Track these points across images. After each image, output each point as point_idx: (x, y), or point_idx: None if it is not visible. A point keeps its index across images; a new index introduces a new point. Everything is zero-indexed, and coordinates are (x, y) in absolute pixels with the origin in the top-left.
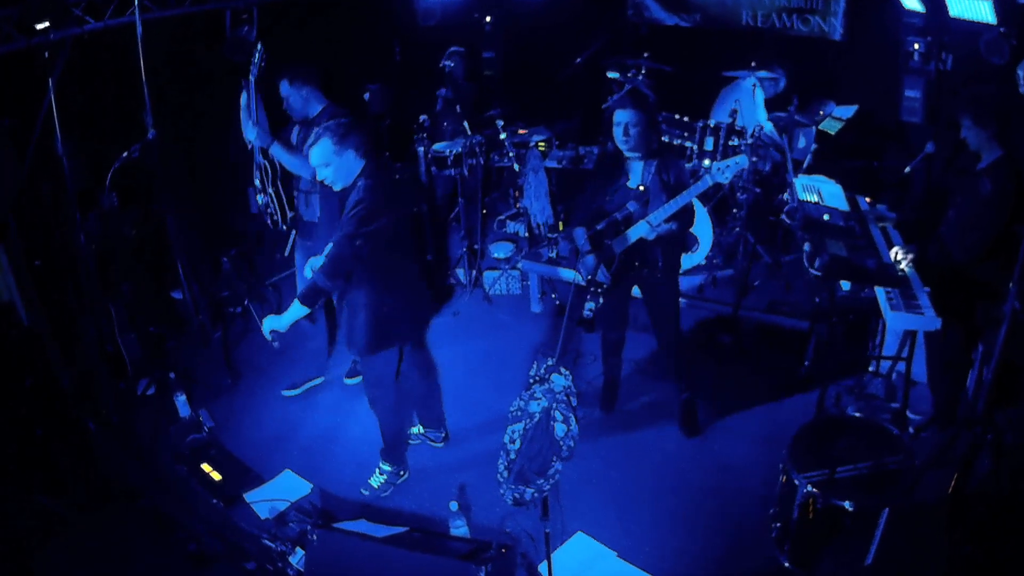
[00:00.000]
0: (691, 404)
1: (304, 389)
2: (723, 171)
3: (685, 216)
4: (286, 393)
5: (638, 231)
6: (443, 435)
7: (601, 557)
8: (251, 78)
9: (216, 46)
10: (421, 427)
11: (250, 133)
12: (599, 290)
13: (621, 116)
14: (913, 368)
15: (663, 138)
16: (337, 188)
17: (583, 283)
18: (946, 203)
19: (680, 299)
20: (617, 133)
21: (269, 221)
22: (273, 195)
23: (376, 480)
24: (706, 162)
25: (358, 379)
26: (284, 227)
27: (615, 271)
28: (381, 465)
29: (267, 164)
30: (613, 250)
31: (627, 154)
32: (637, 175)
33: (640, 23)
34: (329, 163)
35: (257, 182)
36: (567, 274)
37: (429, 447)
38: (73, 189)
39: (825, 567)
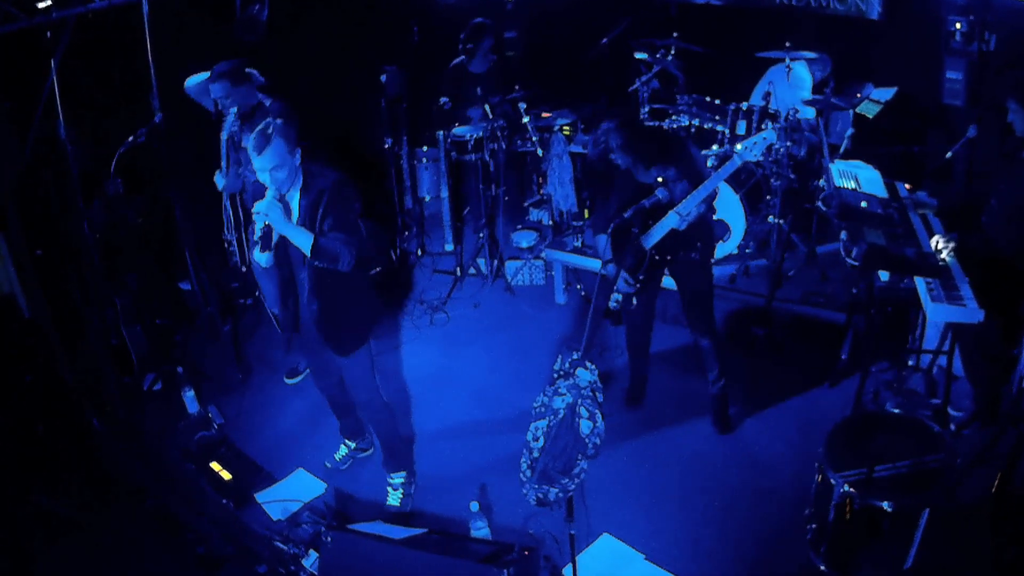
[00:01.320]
0: (723, 398)
1: (304, 376)
2: (751, 148)
3: (710, 196)
4: (289, 381)
5: (668, 223)
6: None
7: (628, 560)
8: (223, 135)
9: (226, 26)
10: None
11: (220, 181)
12: (629, 293)
13: (601, 143)
14: (955, 362)
15: (693, 122)
16: (285, 191)
17: (608, 286)
18: (989, 190)
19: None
20: (614, 156)
21: (234, 260)
22: (236, 240)
23: (395, 498)
24: (737, 146)
25: (299, 379)
26: (244, 268)
27: (647, 268)
28: (391, 479)
29: (231, 210)
30: (643, 247)
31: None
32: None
33: (669, 1)
34: (283, 164)
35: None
36: (593, 264)
37: (449, 444)
38: (76, 175)
39: (863, 571)
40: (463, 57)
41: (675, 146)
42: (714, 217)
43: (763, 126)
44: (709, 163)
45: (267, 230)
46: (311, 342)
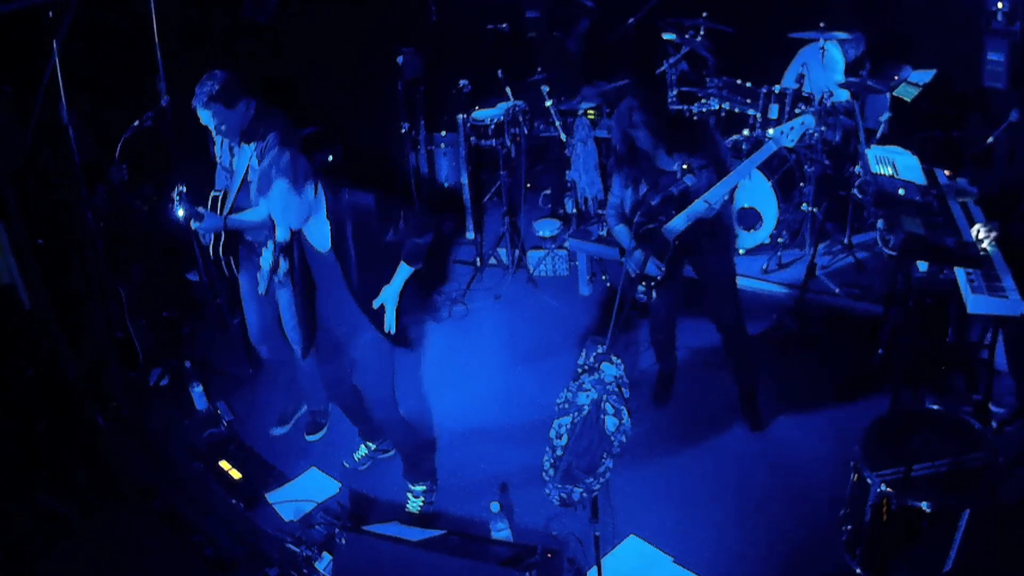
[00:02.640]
0: (752, 395)
1: (294, 422)
2: (787, 134)
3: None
4: (277, 431)
5: (694, 212)
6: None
7: (656, 562)
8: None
9: (235, 5)
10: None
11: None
12: (652, 284)
13: (622, 124)
14: (997, 356)
15: (724, 105)
16: (295, 227)
17: (633, 278)
18: None
19: (739, 279)
20: (636, 136)
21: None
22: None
23: (414, 506)
24: (770, 131)
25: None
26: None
27: (669, 260)
28: (412, 488)
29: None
30: (666, 238)
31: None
32: (668, 160)
33: None
34: (287, 207)
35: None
36: (619, 254)
37: (468, 443)
38: (79, 161)
39: (900, 574)
40: (559, 34)
41: (700, 132)
42: (745, 206)
43: (797, 110)
44: (742, 148)
45: (277, 261)
46: (325, 347)
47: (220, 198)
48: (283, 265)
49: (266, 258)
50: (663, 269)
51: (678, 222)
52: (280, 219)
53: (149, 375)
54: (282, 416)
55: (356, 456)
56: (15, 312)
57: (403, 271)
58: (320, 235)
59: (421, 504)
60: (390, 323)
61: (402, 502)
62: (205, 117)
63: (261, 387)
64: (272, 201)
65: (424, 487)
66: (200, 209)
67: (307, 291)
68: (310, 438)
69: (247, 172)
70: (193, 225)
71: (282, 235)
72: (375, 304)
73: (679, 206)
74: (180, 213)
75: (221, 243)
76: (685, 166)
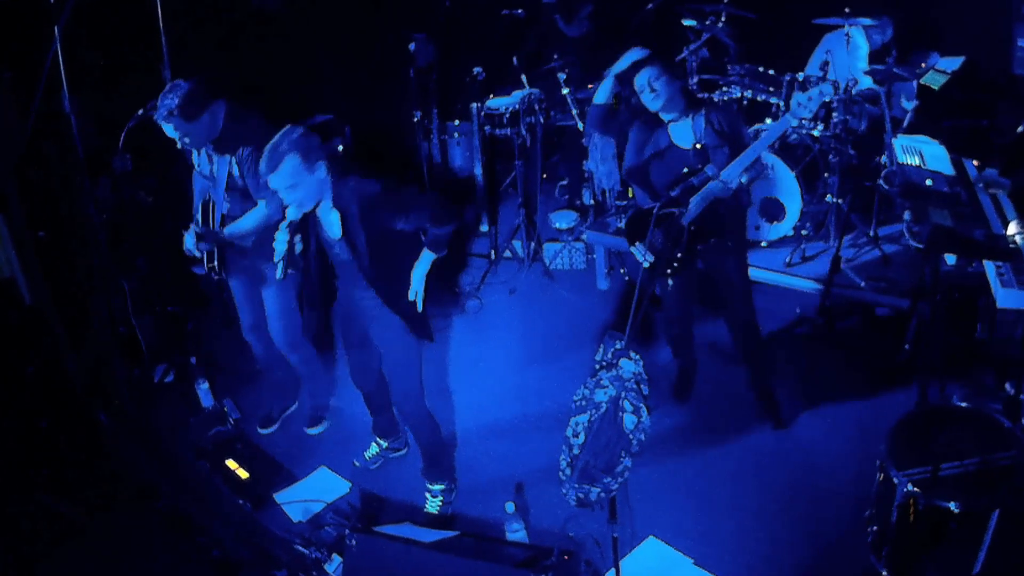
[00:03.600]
0: (769, 393)
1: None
2: (804, 105)
3: (753, 164)
4: (263, 431)
5: (710, 193)
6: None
7: (676, 564)
8: (195, 186)
9: None
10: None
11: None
12: (667, 272)
13: (641, 78)
14: None
15: (746, 93)
16: (306, 208)
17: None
18: None
19: (761, 272)
20: (648, 99)
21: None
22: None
23: (433, 506)
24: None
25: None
26: (216, 276)
27: (684, 247)
28: (430, 487)
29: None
30: (681, 223)
31: (663, 116)
32: (687, 133)
33: None
34: (297, 184)
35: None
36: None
37: (483, 441)
38: (82, 151)
39: None
40: (557, 15)
41: (720, 105)
42: (767, 197)
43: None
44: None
45: (291, 248)
46: (353, 336)
47: (206, 207)
48: (298, 246)
49: (280, 241)
50: (649, 258)
51: (692, 205)
52: (290, 197)
53: (153, 372)
54: (267, 416)
55: (367, 455)
56: (15, 307)
57: (426, 257)
58: (333, 220)
59: (440, 504)
60: (419, 307)
61: (418, 503)
62: (168, 130)
63: (268, 384)
64: (282, 177)
65: (443, 486)
66: (203, 229)
67: (322, 276)
68: (311, 431)
69: (229, 179)
70: (200, 247)
71: (293, 214)
72: (410, 296)
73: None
74: (197, 245)
75: (215, 254)
76: (699, 144)
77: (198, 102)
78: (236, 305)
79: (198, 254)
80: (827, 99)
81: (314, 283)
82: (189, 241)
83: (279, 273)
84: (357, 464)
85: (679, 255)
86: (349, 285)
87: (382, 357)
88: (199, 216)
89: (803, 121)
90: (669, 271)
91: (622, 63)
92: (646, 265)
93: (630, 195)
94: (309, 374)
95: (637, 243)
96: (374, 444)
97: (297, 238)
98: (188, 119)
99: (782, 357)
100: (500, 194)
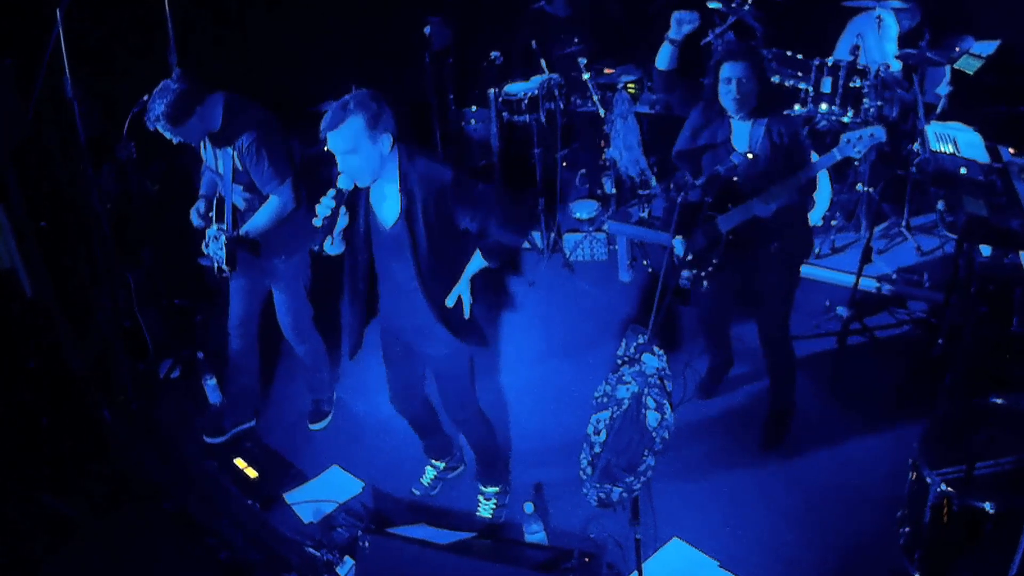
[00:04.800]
0: (785, 412)
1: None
2: (854, 144)
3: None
4: (209, 440)
5: (750, 209)
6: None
7: (701, 567)
8: (203, 176)
9: None
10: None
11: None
12: (702, 274)
13: (731, 70)
14: None
15: (773, 79)
16: (361, 182)
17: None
18: None
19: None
20: (724, 90)
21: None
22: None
23: (486, 510)
24: (823, 106)
25: (324, 423)
26: (221, 275)
27: (722, 252)
28: (484, 491)
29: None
30: (719, 228)
31: (732, 114)
32: (744, 136)
33: None
34: (357, 149)
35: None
36: (661, 237)
37: (500, 439)
38: (85, 138)
39: None
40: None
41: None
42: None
43: (852, 82)
44: None
45: (334, 217)
46: (395, 359)
47: (220, 204)
48: (342, 220)
49: (325, 205)
50: (689, 278)
51: (733, 216)
52: (345, 163)
53: (159, 367)
54: (217, 426)
55: (424, 480)
56: (16, 299)
57: (477, 263)
58: (390, 206)
59: (494, 508)
60: (465, 313)
61: (426, 501)
62: (161, 130)
63: (279, 380)
64: (343, 138)
65: (498, 489)
66: (232, 234)
67: (367, 269)
68: (314, 427)
69: (234, 173)
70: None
71: (344, 183)
72: (448, 302)
73: (726, 188)
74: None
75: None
76: (751, 155)
77: (186, 106)
78: (230, 297)
79: (224, 255)
80: (879, 142)
81: (360, 271)
82: (214, 246)
83: (318, 245)
84: (416, 492)
85: (715, 261)
86: (394, 283)
87: (434, 368)
88: (205, 210)
89: (833, 108)
90: (703, 274)
91: (675, 29)
92: (684, 261)
93: (653, 184)
94: (314, 367)
95: (679, 237)
96: (429, 468)
97: (344, 212)
98: (176, 123)
99: (811, 352)
100: (519, 183)
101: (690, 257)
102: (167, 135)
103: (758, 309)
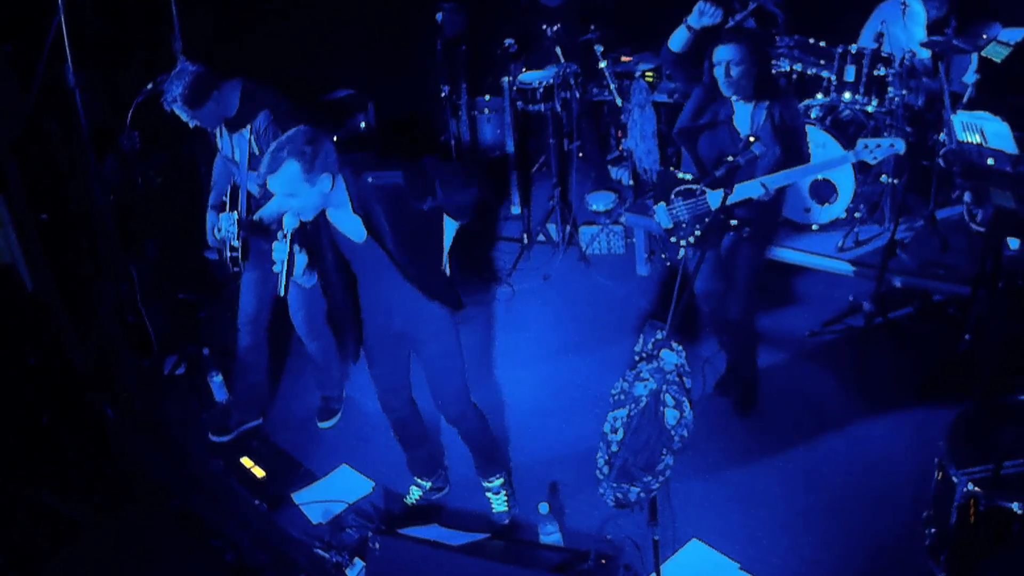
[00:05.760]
0: (752, 384)
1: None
2: (871, 150)
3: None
4: (215, 439)
5: (747, 191)
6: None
7: (721, 569)
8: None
9: None
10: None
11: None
12: (682, 243)
13: (722, 54)
14: None
15: (795, 67)
16: (306, 219)
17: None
18: None
19: (812, 257)
20: (718, 73)
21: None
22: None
23: (500, 503)
24: (846, 95)
25: (333, 421)
26: (235, 269)
27: (707, 226)
28: (489, 483)
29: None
30: (708, 207)
31: (728, 96)
32: (745, 117)
33: None
34: (296, 193)
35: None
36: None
37: (514, 438)
38: (87, 128)
39: None
40: None
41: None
42: (819, 177)
43: (876, 72)
44: (813, 114)
45: (291, 259)
46: (383, 355)
47: (234, 192)
48: (300, 260)
49: (279, 252)
50: (667, 223)
51: (732, 196)
52: (287, 205)
53: (163, 363)
54: (223, 425)
55: (410, 500)
56: (16, 294)
57: (450, 227)
58: (352, 225)
59: (506, 499)
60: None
61: (437, 502)
62: (178, 111)
63: (286, 376)
64: (280, 183)
65: (501, 478)
66: (246, 218)
67: (348, 287)
68: (323, 425)
69: (251, 158)
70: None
71: (290, 223)
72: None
73: (747, 176)
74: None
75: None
76: (753, 137)
77: (204, 88)
78: (241, 292)
79: (237, 243)
80: (897, 154)
81: (339, 297)
82: (228, 228)
83: (280, 289)
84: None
85: (698, 232)
86: (375, 288)
87: (426, 362)
88: (226, 200)
89: (856, 97)
90: (684, 244)
91: (696, 17)
92: (663, 228)
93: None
94: (324, 364)
95: (661, 203)
96: (414, 487)
97: (299, 251)
98: (193, 106)
99: (834, 348)
100: (533, 174)
101: (670, 225)
102: (184, 117)
103: (729, 286)
